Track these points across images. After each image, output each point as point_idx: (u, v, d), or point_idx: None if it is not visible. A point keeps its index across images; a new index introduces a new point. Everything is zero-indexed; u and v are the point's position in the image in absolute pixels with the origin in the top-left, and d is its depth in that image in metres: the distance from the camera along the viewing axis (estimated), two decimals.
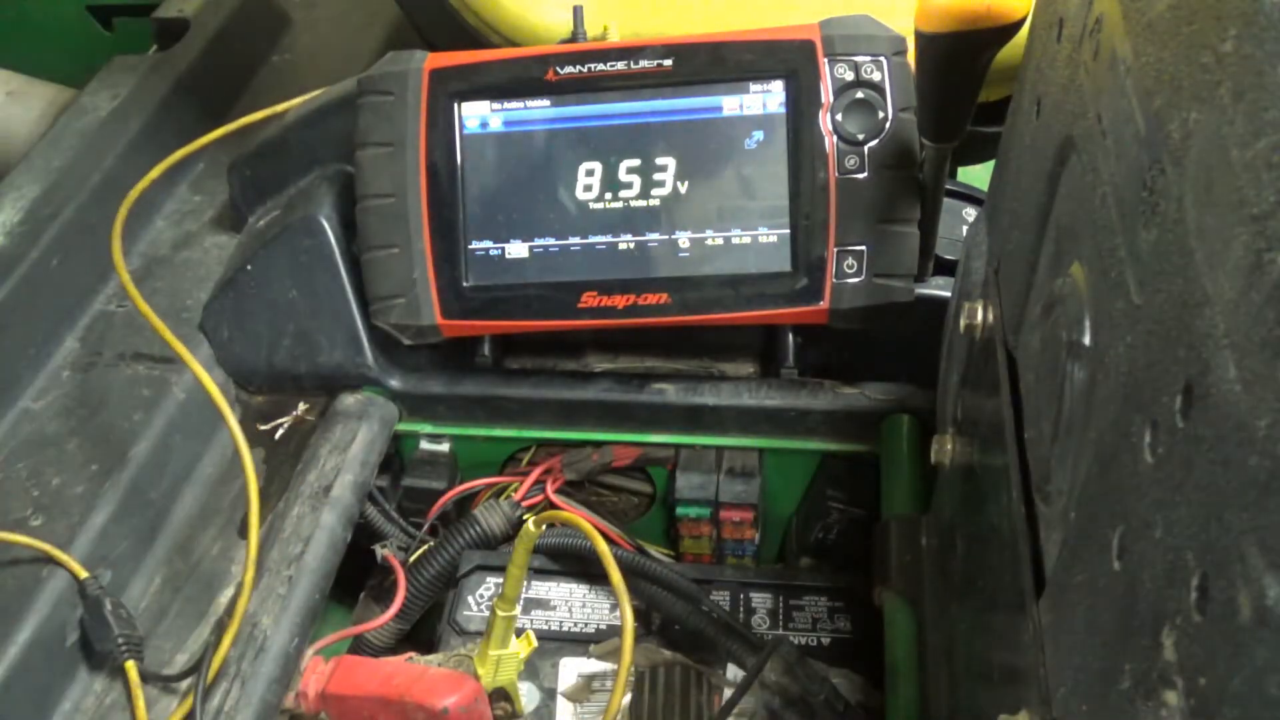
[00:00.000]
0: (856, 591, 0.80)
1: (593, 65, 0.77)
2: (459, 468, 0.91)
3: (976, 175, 0.94)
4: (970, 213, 0.82)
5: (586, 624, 0.82)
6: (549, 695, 0.78)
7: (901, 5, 0.70)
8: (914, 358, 0.79)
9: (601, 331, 0.86)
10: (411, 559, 0.84)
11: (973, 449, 0.62)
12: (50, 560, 0.69)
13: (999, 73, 0.63)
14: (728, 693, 0.76)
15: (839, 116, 0.74)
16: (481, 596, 0.83)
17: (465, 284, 0.79)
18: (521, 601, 0.76)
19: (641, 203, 0.77)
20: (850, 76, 0.74)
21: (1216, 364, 0.28)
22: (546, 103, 0.78)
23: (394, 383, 0.86)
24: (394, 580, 0.82)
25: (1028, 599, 0.45)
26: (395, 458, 0.92)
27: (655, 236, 0.77)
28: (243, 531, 0.78)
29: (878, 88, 0.74)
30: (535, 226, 0.79)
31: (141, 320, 0.86)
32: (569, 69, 0.77)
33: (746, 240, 0.76)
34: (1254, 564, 0.25)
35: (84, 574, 0.69)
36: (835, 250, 0.75)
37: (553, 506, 0.88)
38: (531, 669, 0.79)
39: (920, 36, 0.60)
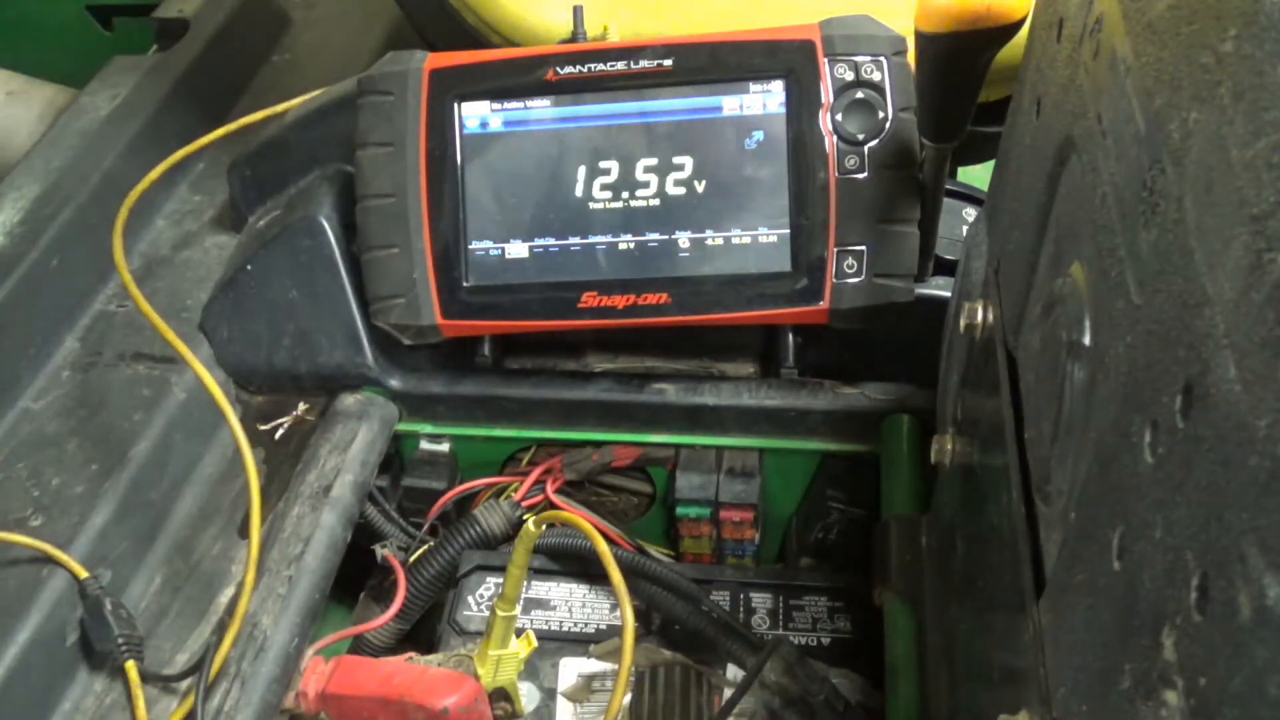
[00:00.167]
0: (856, 591, 0.80)
1: (593, 65, 0.77)
2: (459, 468, 0.91)
3: (976, 175, 0.94)
4: (970, 213, 0.82)
5: (586, 624, 0.82)
6: (549, 695, 0.78)
7: (901, 5, 0.70)
8: (914, 358, 0.79)
9: (601, 331, 0.86)
10: (411, 559, 0.84)
11: (973, 449, 0.62)
12: (50, 560, 0.69)
13: (999, 73, 0.63)
14: (728, 693, 0.76)
15: (839, 116, 0.74)
16: (481, 596, 0.83)
17: (465, 284, 0.79)
18: (521, 601, 0.76)
19: (641, 203, 0.77)
20: (850, 76, 0.74)
21: (1216, 364, 0.28)
22: (546, 103, 0.78)
23: (394, 383, 0.86)
24: (394, 580, 0.82)
25: (1028, 599, 0.45)
26: (395, 458, 0.92)
27: (655, 236, 0.77)
28: (243, 531, 0.78)
29: (878, 88, 0.74)
30: (535, 226, 0.79)
31: (142, 320, 0.86)
32: (569, 69, 0.77)
33: (746, 240, 0.76)
34: (1254, 564, 0.25)
35: (84, 574, 0.69)
36: (835, 250, 0.75)
37: (553, 506, 0.88)
38: (531, 669, 0.79)
39: (920, 36, 0.60)
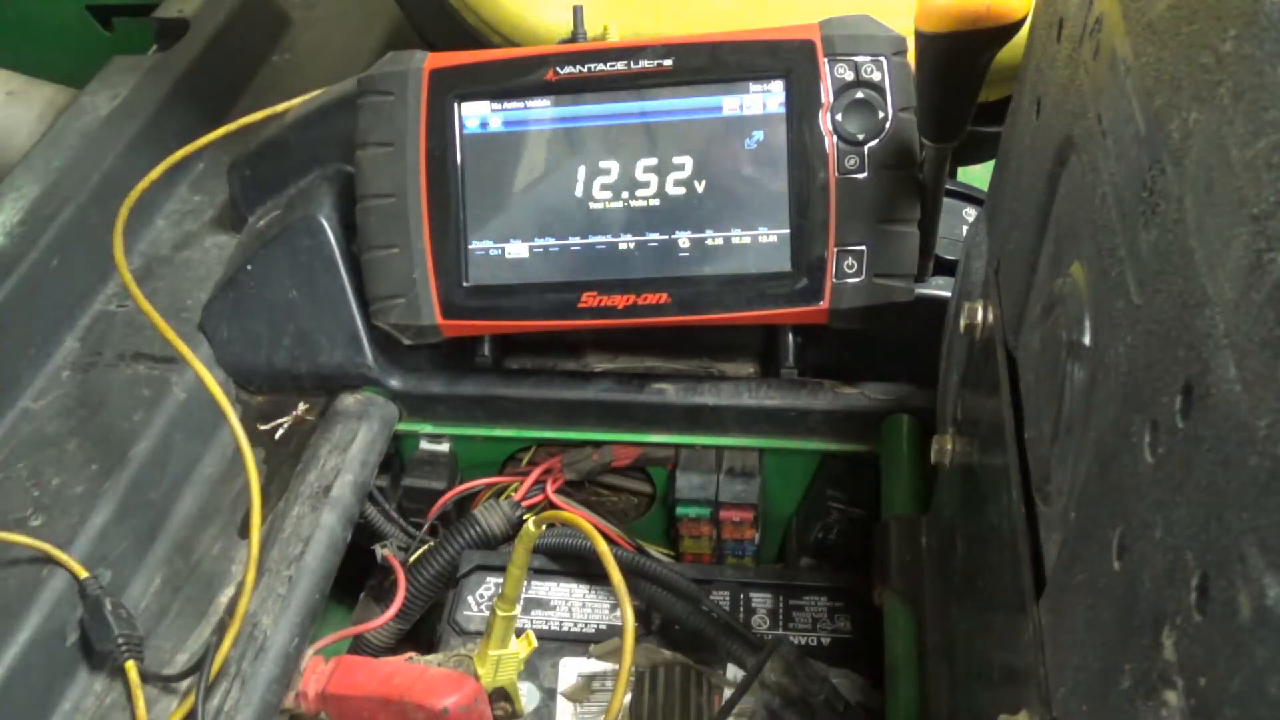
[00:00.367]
0: (856, 591, 0.80)
1: (592, 65, 0.77)
2: (459, 468, 0.91)
3: (976, 175, 0.94)
4: (970, 213, 0.82)
5: (586, 624, 0.82)
6: (549, 695, 0.78)
7: (901, 5, 0.70)
8: (914, 358, 0.79)
9: (601, 331, 0.86)
10: (411, 559, 0.84)
11: (973, 449, 0.62)
12: (50, 560, 0.69)
13: (999, 73, 0.63)
14: (728, 693, 0.76)
15: (839, 116, 0.74)
16: (481, 596, 0.83)
17: (465, 284, 0.79)
18: (521, 601, 0.76)
19: (641, 202, 0.77)
20: (850, 76, 0.74)
21: (1216, 364, 0.28)
22: (546, 103, 0.78)
23: (394, 383, 0.86)
24: (394, 580, 0.82)
25: (1028, 599, 0.45)
26: (395, 458, 0.92)
27: (655, 236, 0.77)
28: (243, 531, 0.78)
29: (878, 88, 0.74)
30: (535, 226, 0.79)
31: (142, 320, 0.86)
32: (569, 69, 0.77)
33: (746, 240, 0.76)
34: (1254, 564, 0.25)
35: (84, 574, 0.69)
36: (835, 250, 0.75)
37: (553, 506, 0.88)
38: (531, 669, 0.79)
39: (920, 36, 0.60)
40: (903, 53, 0.74)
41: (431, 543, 0.85)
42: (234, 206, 0.94)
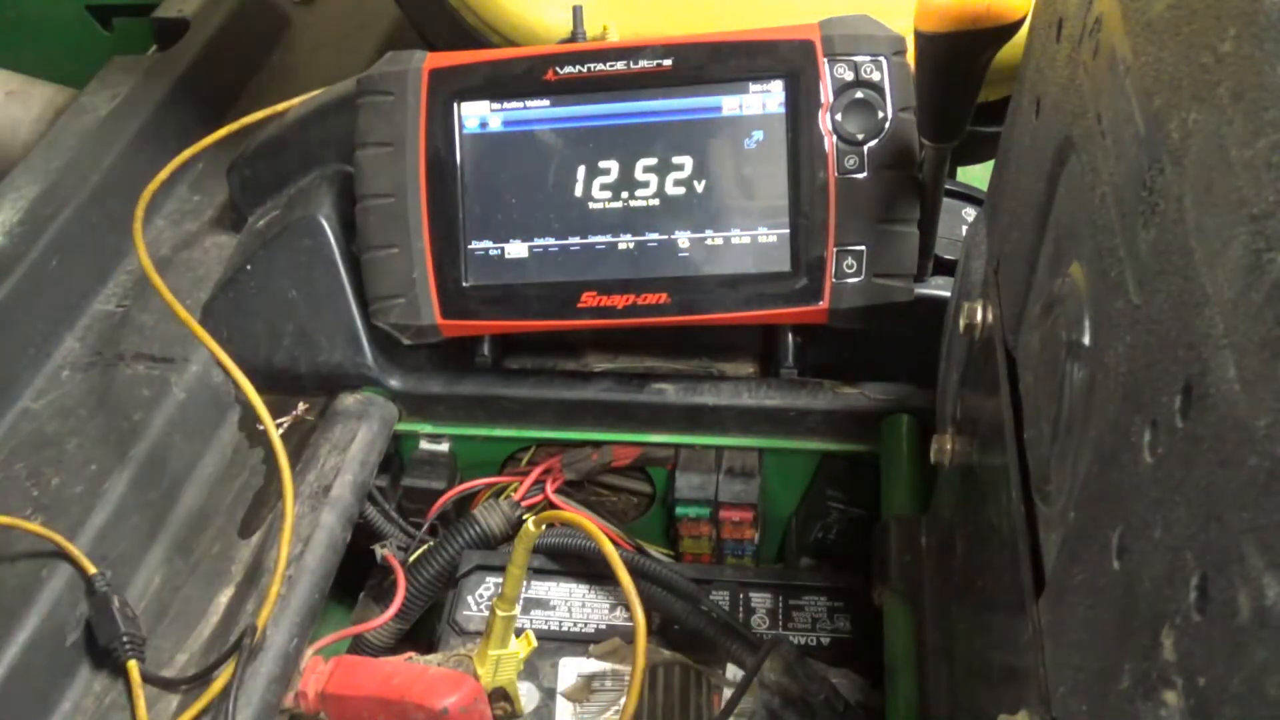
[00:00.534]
0: (856, 591, 0.80)
1: (592, 65, 0.77)
2: (459, 468, 0.91)
3: (976, 175, 0.94)
4: (970, 213, 0.82)
5: (586, 624, 0.82)
6: (549, 695, 0.78)
7: (901, 5, 0.70)
8: (914, 358, 0.79)
9: (601, 331, 0.86)
10: (411, 559, 0.84)
11: (972, 449, 0.62)
12: (54, 556, 0.69)
13: (999, 73, 0.63)
14: (728, 693, 0.76)
15: (838, 116, 0.74)
16: (481, 596, 0.83)
17: (465, 284, 0.79)
18: (521, 601, 0.76)
19: (641, 203, 0.77)
20: (850, 76, 0.74)
21: (1216, 364, 0.28)
22: (546, 103, 0.78)
23: (394, 383, 0.86)
24: (394, 580, 0.82)
25: (1027, 599, 0.45)
26: (395, 458, 0.92)
27: (655, 236, 0.77)
28: (243, 531, 0.78)
29: (877, 88, 0.74)
30: (535, 226, 0.79)
31: (142, 320, 0.86)
32: (569, 69, 0.77)
33: (746, 240, 0.76)
34: (1254, 564, 0.25)
35: (92, 569, 0.69)
36: (835, 250, 0.75)
37: (552, 506, 0.88)
38: (531, 669, 0.79)
39: (920, 36, 0.60)
40: (902, 53, 0.74)
41: (431, 543, 0.85)
42: (234, 206, 0.94)
